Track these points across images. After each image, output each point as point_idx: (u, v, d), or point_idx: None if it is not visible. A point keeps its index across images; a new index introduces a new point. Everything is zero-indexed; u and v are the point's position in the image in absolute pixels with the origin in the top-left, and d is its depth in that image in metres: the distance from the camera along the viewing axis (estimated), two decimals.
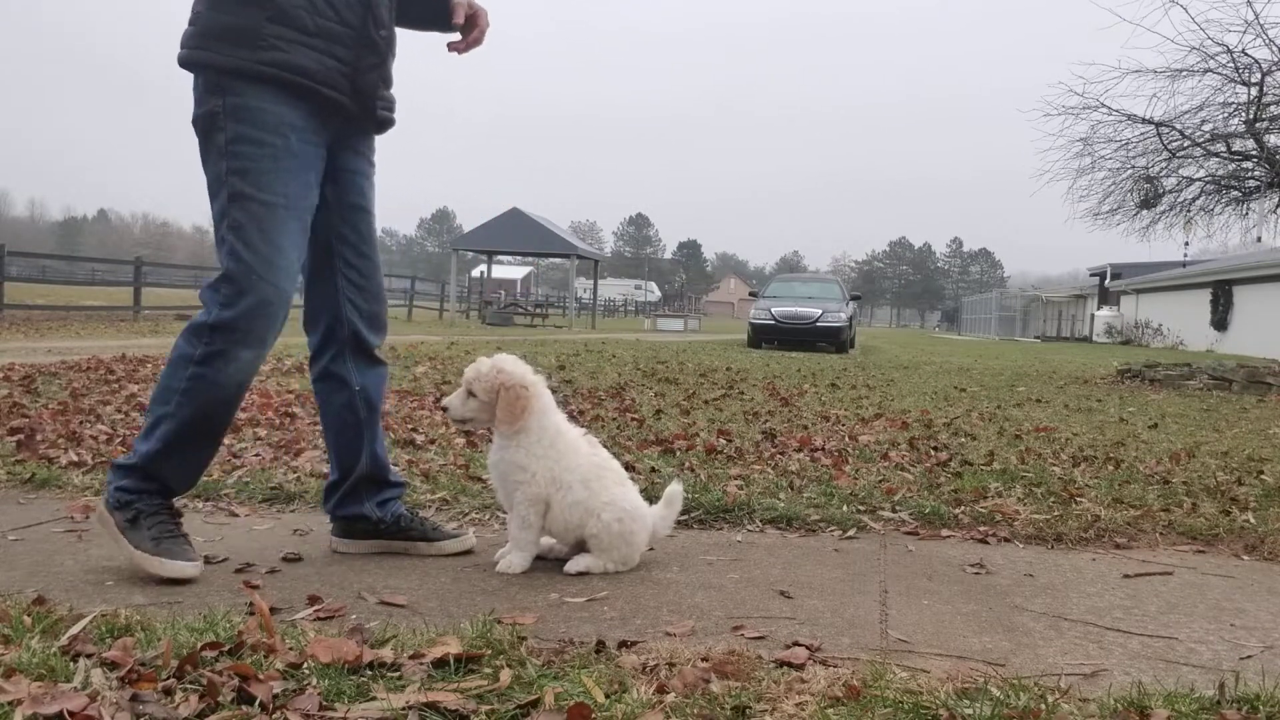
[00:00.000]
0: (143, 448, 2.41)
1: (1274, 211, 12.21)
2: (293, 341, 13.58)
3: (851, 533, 3.11)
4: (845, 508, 3.32)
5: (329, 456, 2.77)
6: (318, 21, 2.36)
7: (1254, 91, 11.14)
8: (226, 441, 4.20)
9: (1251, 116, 11.26)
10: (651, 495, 2.80)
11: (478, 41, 2.68)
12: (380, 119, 2.59)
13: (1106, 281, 43.15)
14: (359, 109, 2.50)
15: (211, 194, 2.38)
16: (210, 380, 2.38)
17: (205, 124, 2.38)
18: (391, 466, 2.84)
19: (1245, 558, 3.01)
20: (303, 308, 2.66)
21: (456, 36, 2.68)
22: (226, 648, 1.76)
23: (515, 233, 31.20)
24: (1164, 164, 12.38)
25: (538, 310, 34.48)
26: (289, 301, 2.45)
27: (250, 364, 2.43)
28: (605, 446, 2.75)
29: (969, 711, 1.62)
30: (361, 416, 2.67)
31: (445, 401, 2.65)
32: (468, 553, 2.73)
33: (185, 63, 2.38)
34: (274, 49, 2.32)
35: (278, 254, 2.38)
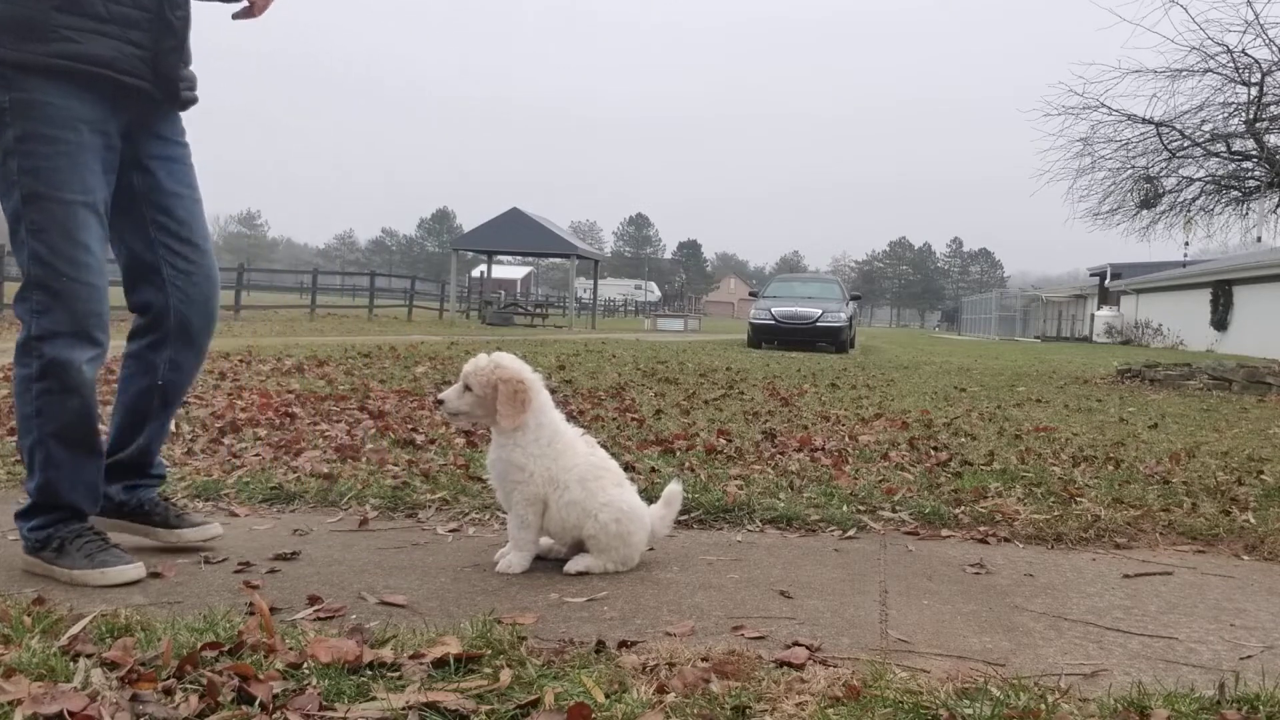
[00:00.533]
0: (31, 485, 2.40)
1: (1274, 211, 12.22)
2: (292, 341, 13.46)
3: (851, 533, 3.11)
4: (845, 508, 3.32)
5: (110, 429, 2.69)
6: (111, 8, 2.29)
7: (1254, 91, 11.14)
8: (226, 442, 4.20)
9: (1251, 116, 11.26)
10: (651, 495, 2.80)
11: (264, 7, 2.56)
12: (184, 100, 2.52)
13: (1106, 281, 43.14)
14: (163, 93, 2.44)
15: (1, 193, 2.31)
16: (58, 392, 2.33)
17: None
18: (161, 461, 2.75)
19: (1245, 558, 3.01)
20: (128, 298, 2.60)
21: (244, 4, 2.56)
22: (226, 648, 1.76)
23: (515, 233, 31.21)
24: (1164, 164, 12.39)
25: (538, 310, 34.48)
26: (105, 294, 2.39)
27: (92, 364, 2.37)
28: (605, 447, 2.75)
29: (969, 711, 1.62)
30: (154, 408, 2.62)
31: (442, 395, 2.65)
32: (211, 541, 2.67)
33: None
34: (66, 40, 2.24)
35: (84, 251, 2.32)
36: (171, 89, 2.45)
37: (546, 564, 2.63)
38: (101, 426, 2.53)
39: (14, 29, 2.23)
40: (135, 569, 2.35)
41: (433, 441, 4.43)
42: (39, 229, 2.27)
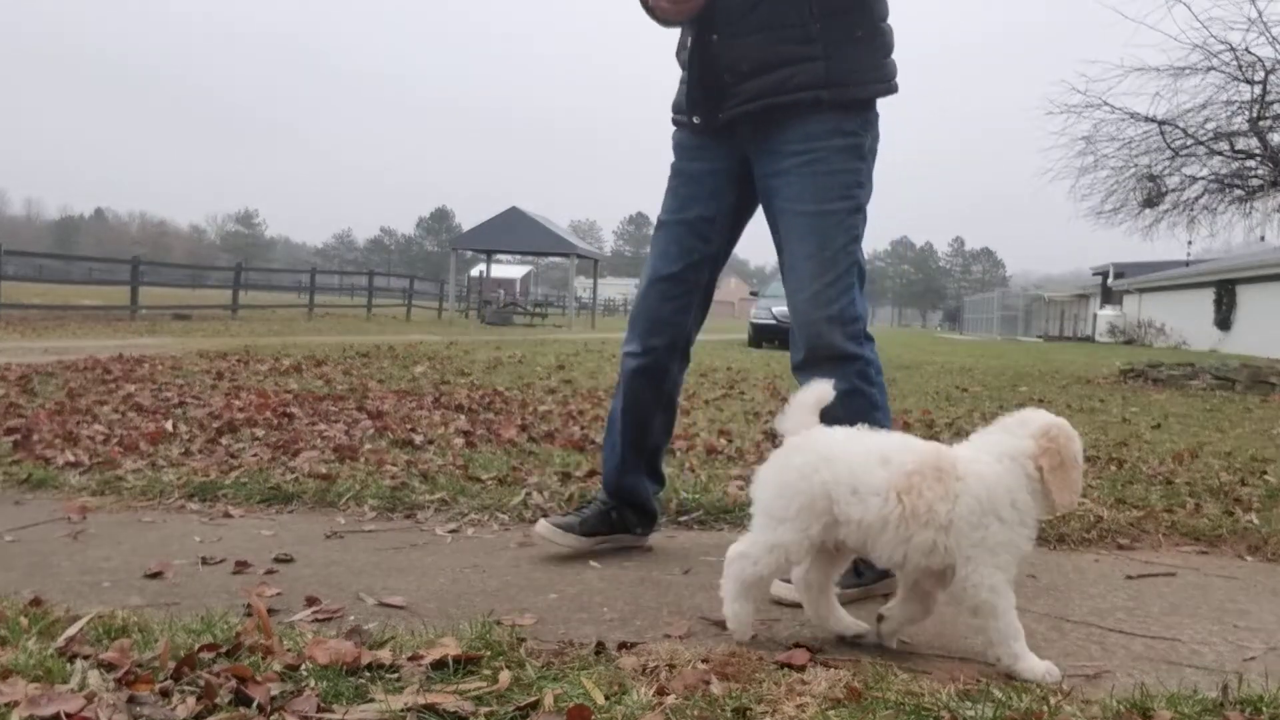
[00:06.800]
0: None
1: (1277, 210, 12.21)
2: (290, 341, 13.38)
3: None
4: None
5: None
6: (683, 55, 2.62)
7: (1257, 90, 11.14)
8: (224, 442, 4.19)
9: (1255, 115, 11.26)
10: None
11: None
12: (735, 116, 2.50)
13: (1109, 281, 43.13)
14: (705, 121, 2.58)
15: None
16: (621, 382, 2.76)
17: None
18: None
19: (1248, 558, 3.00)
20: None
21: None
22: (224, 649, 1.75)
23: (514, 232, 31.17)
24: (1167, 162, 12.39)
25: (537, 310, 34.44)
26: (648, 299, 2.66)
27: (630, 358, 2.69)
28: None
29: (971, 713, 1.61)
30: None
31: None
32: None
33: None
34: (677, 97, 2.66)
35: (657, 256, 2.66)
36: (713, 116, 2.56)
37: (546, 564, 2.62)
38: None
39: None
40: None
41: (431, 442, 4.42)
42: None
